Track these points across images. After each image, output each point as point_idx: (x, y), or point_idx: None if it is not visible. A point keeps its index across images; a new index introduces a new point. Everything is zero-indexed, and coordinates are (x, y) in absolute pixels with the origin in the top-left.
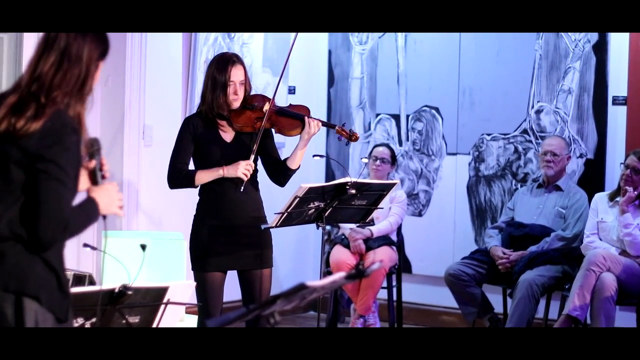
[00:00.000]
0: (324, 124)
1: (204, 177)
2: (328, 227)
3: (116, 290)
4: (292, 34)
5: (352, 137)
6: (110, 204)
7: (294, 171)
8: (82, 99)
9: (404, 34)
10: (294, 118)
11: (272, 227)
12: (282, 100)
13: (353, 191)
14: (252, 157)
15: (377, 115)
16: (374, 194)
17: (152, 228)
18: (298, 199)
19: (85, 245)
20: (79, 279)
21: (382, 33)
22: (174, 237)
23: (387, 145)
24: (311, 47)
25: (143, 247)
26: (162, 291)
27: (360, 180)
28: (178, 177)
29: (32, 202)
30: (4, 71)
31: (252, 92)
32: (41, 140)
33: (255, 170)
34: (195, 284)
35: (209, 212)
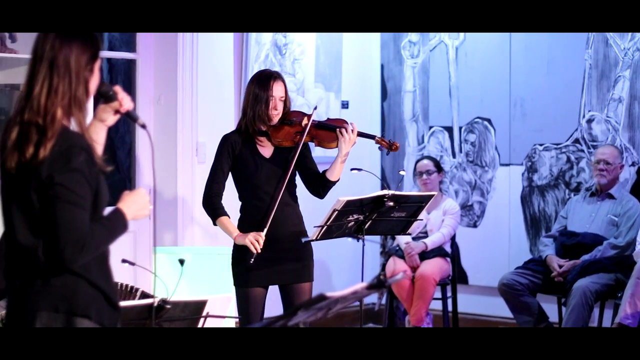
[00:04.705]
0: (360, 134)
1: (224, 226)
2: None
3: (155, 304)
4: (344, 50)
5: (392, 146)
6: (142, 208)
7: (333, 183)
8: (79, 107)
9: (454, 46)
10: (332, 130)
11: (313, 240)
12: (336, 114)
13: (391, 203)
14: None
15: (430, 127)
16: (413, 206)
17: (207, 243)
18: (337, 212)
19: (124, 261)
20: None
21: (433, 46)
22: (222, 252)
23: (428, 157)
24: (364, 62)
25: (181, 261)
26: (201, 304)
27: (398, 192)
28: (209, 204)
29: (50, 227)
30: None
31: (296, 108)
32: (50, 165)
33: (294, 185)
34: (233, 297)
35: (250, 228)
